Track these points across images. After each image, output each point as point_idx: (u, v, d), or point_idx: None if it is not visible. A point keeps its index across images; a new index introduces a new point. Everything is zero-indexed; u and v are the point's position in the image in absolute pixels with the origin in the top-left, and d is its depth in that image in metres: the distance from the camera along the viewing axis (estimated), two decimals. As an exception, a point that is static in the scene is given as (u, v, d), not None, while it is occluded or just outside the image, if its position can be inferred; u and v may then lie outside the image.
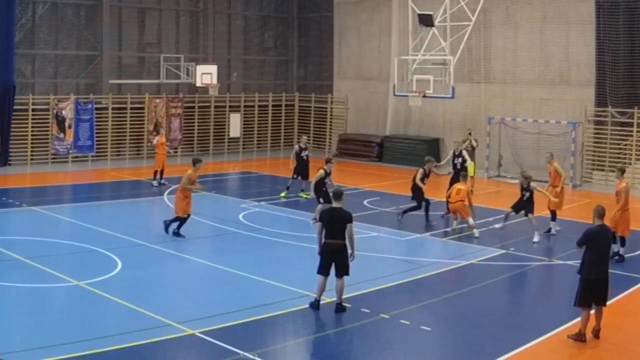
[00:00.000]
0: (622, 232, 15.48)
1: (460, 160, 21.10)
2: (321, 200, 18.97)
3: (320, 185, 18.96)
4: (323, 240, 12.06)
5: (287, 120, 36.22)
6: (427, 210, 19.28)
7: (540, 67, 28.26)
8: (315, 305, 12.09)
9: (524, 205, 18.00)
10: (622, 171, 15.94)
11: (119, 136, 30.61)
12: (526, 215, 18.00)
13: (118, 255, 15.07)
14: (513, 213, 18.08)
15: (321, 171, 19.08)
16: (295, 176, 22.83)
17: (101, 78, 30.27)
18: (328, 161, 19.65)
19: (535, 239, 17.56)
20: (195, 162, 17.61)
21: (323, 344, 11.14)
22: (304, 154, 22.95)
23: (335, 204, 12.19)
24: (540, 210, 20.72)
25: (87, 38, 30.00)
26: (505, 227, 18.54)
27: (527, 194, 17.90)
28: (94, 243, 16.03)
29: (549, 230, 18.40)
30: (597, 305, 11.16)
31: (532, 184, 18.02)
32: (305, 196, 22.37)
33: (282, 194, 22.65)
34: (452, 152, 21.70)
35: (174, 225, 17.11)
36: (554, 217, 18.40)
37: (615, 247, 15.13)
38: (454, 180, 20.18)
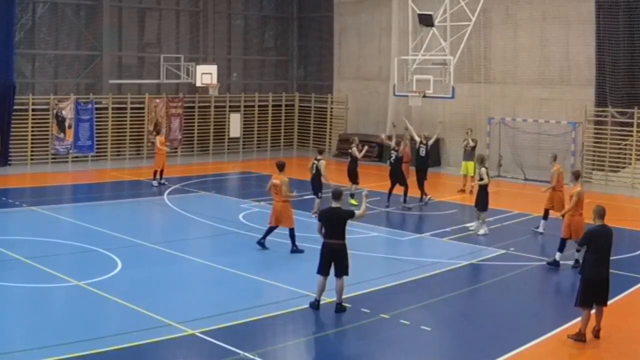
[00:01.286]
0: (575, 236, 14.80)
1: (424, 149, 22.11)
2: (320, 194, 19.15)
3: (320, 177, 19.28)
4: (322, 240, 12.08)
5: (287, 120, 36.23)
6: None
7: (540, 67, 28.26)
8: (315, 305, 12.10)
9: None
10: (577, 176, 15.52)
11: (119, 136, 30.61)
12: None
13: (118, 255, 15.06)
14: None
15: (323, 162, 19.27)
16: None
17: (101, 78, 30.28)
18: (322, 152, 20.00)
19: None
20: (283, 166, 15.99)
21: (323, 344, 11.14)
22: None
23: (334, 204, 12.20)
24: (534, 209, 20.77)
25: (87, 38, 30.01)
26: (504, 226, 18.58)
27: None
28: (94, 243, 16.03)
29: (538, 227, 18.42)
30: (597, 305, 11.15)
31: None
32: (355, 202, 21.00)
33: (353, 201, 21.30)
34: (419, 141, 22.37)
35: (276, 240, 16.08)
36: (545, 216, 18.31)
37: (557, 256, 15.06)
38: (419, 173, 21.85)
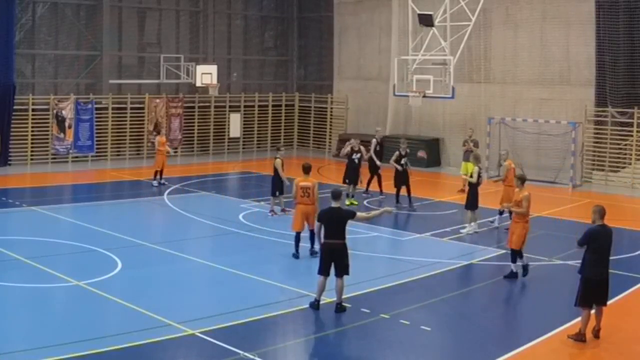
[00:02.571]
0: (514, 245, 14.28)
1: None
2: (277, 193, 19.37)
3: (279, 175, 19.31)
4: (323, 240, 12.08)
5: (287, 120, 36.22)
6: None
7: (540, 67, 28.26)
8: (315, 305, 12.09)
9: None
10: (523, 180, 14.80)
11: (119, 136, 30.61)
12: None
13: (118, 255, 15.06)
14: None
15: (278, 160, 19.33)
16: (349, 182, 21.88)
17: (101, 78, 30.28)
18: (279, 149, 19.99)
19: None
20: (310, 168, 15.78)
21: (323, 344, 11.14)
22: (355, 157, 21.87)
23: (333, 204, 12.21)
24: (534, 209, 20.76)
25: (87, 38, 30.01)
26: (504, 226, 18.58)
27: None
28: (94, 243, 16.03)
29: (493, 221, 18.73)
30: (597, 305, 11.16)
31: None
32: (355, 203, 21.41)
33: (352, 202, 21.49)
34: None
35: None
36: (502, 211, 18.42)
37: (514, 267, 14.24)
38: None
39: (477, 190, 18.24)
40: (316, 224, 12.30)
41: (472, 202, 18.21)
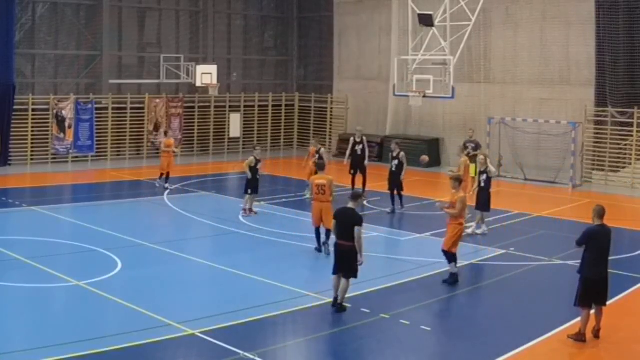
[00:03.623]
0: (447, 247, 13.93)
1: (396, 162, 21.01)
2: (249, 191, 19.50)
3: (253, 173, 19.46)
4: (335, 240, 12.14)
5: (287, 120, 36.23)
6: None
7: (540, 67, 28.26)
8: (333, 303, 12.11)
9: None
10: (459, 181, 14.50)
11: (119, 136, 30.62)
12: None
13: (118, 255, 15.07)
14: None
15: (251, 158, 19.45)
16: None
17: (101, 78, 30.28)
18: (255, 148, 20.30)
19: None
20: (324, 166, 16.60)
21: (323, 343, 11.14)
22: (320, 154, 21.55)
23: (350, 204, 12.24)
24: (534, 209, 20.72)
25: (87, 38, 30.01)
26: (504, 226, 18.57)
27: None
28: (94, 243, 16.03)
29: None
30: (597, 305, 11.16)
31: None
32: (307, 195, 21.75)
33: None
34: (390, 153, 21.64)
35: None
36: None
37: (451, 268, 13.87)
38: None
39: (490, 193, 18.13)
40: (333, 222, 12.35)
41: (483, 204, 18.07)
